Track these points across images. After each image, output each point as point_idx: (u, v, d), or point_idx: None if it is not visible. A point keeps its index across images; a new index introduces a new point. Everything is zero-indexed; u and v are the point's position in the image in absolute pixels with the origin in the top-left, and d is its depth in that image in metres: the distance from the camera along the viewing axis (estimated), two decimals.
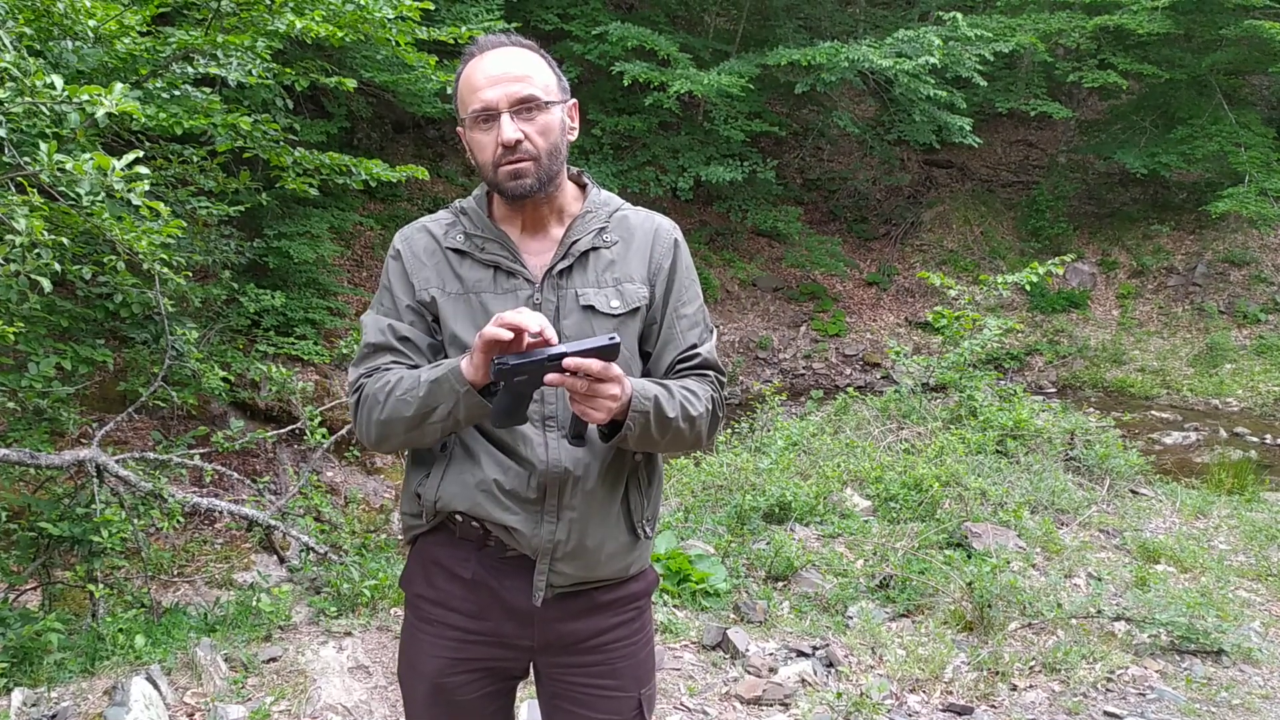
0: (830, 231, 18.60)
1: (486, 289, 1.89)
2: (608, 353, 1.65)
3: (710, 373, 1.98)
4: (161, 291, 4.38)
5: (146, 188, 2.90)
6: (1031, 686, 4.32)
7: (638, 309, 1.95)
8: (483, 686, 1.99)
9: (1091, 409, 10.88)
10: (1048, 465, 7.21)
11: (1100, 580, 5.51)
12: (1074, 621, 4.82)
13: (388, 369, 1.88)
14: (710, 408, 1.93)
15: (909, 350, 9.30)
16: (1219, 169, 17.17)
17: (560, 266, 1.91)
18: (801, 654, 4.33)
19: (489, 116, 1.82)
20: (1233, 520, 7.21)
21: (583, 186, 2.02)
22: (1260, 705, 4.25)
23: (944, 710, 4.03)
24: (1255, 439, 13.43)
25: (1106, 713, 4.14)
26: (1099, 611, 4.83)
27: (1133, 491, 7.53)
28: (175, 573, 7.61)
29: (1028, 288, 9.61)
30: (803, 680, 4.09)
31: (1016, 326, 11.14)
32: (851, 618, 4.75)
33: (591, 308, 1.90)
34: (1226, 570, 6.00)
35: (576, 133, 1.95)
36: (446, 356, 1.91)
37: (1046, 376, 16.52)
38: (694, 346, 1.97)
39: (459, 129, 1.93)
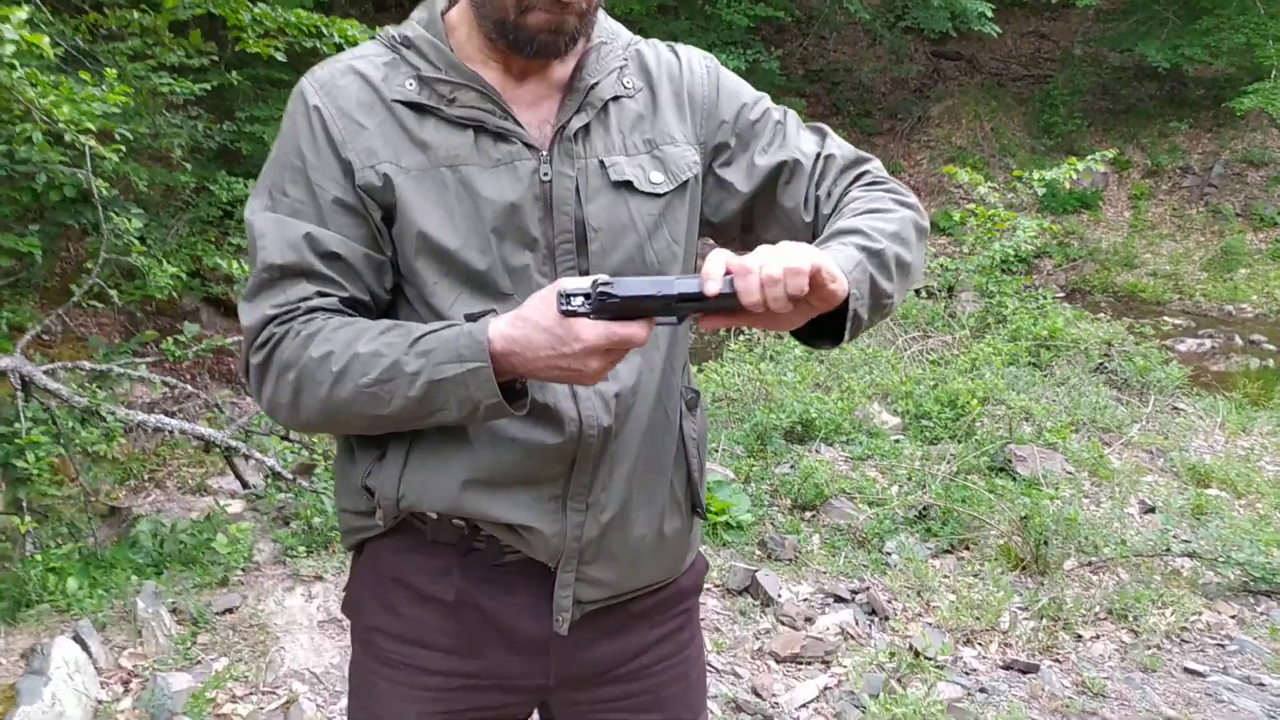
0: (834, 125, 17.43)
1: (468, 159, 1.24)
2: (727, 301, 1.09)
3: (870, 171, 1.40)
4: (93, 171, 3.70)
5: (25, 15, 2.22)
6: (1097, 636, 3.81)
7: (686, 183, 1.33)
8: None
9: (1102, 314, 10.36)
10: (1085, 379, 6.66)
11: (1155, 510, 4.99)
12: (1136, 559, 4.31)
13: (312, 314, 1.22)
14: (904, 209, 1.34)
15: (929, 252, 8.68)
16: (1242, 63, 16.31)
17: (577, 124, 1.27)
18: (840, 599, 3.80)
19: None
20: (1277, 438, 6.70)
21: None
22: None
23: (1005, 668, 3.52)
24: (1272, 346, 12.91)
25: (1186, 669, 3.64)
26: (1167, 550, 4.31)
27: (1173, 408, 6.99)
28: (146, 477, 7.13)
29: (1039, 189, 8.90)
30: (844, 632, 3.56)
31: (1052, 228, 10.49)
32: (890, 554, 4.21)
33: (628, 184, 1.28)
34: None
35: None
36: (399, 272, 1.28)
37: (1055, 280, 15.90)
38: (827, 158, 1.40)
39: None
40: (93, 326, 9.62)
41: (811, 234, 1.36)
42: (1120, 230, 16.72)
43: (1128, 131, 17.92)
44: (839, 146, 1.42)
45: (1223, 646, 3.84)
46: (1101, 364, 7.13)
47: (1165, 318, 14.44)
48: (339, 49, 4.38)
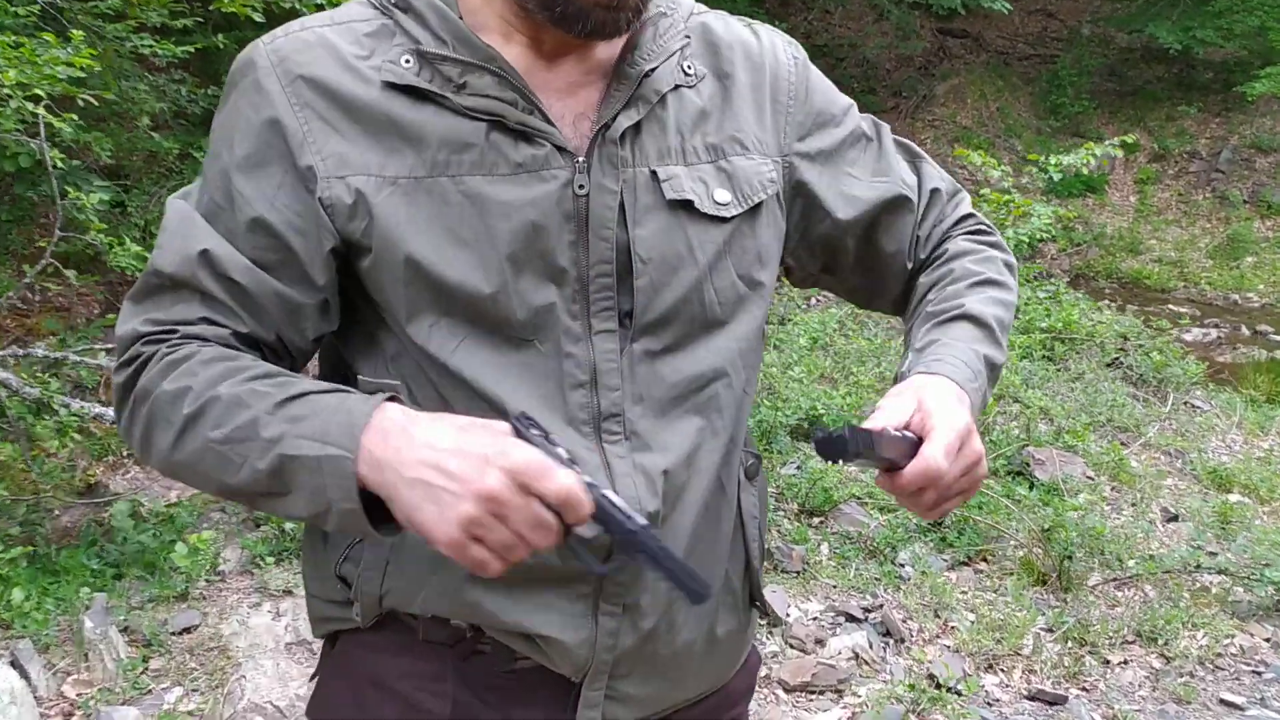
0: None
1: (478, 164, 0.93)
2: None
3: (972, 220, 1.18)
4: (49, 140, 3.39)
5: None
6: (1126, 662, 3.56)
7: (759, 205, 1.02)
8: None
9: (1106, 301, 10.08)
10: (1100, 374, 6.39)
11: (1179, 518, 4.74)
12: (1163, 573, 4.05)
13: (187, 338, 0.93)
14: (1013, 278, 1.17)
15: None
16: (1254, 47, 16.02)
17: (625, 122, 0.96)
18: (851, 618, 3.54)
19: None
20: None
21: None
22: None
23: (1030, 698, 3.26)
24: (1279, 338, 12.66)
25: (1222, 700, 3.39)
26: (1198, 566, 4.05)
27: (1188, 404, 6.73)
28: (125, 454, 6.87)
29: (1055, 175, 8.65)
30: (857, 656, 3.30)
31: (1068, 215, 10.20)
32: (904, 566, 3.95)
33: (686, 204, 0.98)
34: None
35: None
36: (375, 306, 0.98)
37: (1059, 265, 15.59)
38: (933, 192, 1.16)
39: None
40: (72, 296, 9.31)
41: (905, 279, 1.14)
42: (1126, 215, 16.44)
43: (1135, 114, 17.60)
44: (940, 177, 1.17)
45: (1258, 674, 3.59)
46: (1116, 359, 6.86)
47: (1170, 305, 14.18)
48: (320, 9, 4.05)
